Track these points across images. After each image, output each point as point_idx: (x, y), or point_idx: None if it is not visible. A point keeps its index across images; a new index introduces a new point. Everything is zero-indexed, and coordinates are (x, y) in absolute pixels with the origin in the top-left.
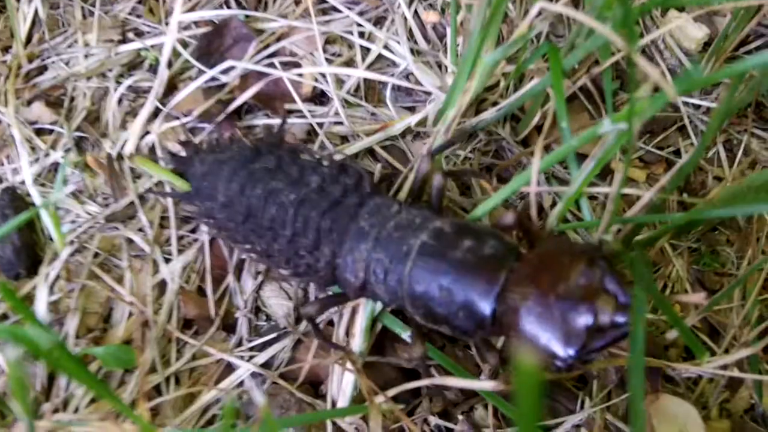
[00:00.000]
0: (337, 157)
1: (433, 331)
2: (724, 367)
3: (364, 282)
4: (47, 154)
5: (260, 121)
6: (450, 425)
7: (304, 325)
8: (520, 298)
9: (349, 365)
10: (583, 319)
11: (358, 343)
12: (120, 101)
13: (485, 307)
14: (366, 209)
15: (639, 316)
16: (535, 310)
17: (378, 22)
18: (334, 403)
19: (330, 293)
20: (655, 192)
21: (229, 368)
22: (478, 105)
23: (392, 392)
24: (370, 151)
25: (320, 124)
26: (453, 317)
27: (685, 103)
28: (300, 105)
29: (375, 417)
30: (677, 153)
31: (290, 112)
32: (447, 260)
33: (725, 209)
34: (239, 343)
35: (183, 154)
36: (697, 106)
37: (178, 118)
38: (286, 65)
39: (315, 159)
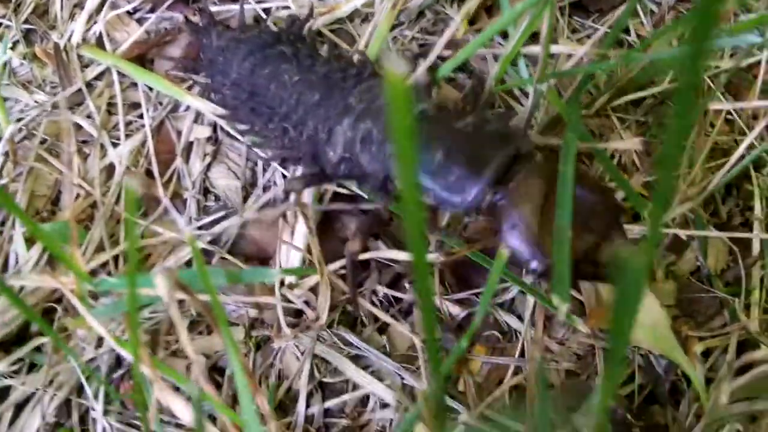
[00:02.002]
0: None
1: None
2: (667, 225)
3: (342, 158)
4: None
5: (215, 8)
6: (399, 294)
7: (251, 202)
8: (523, 189)
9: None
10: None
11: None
12: None
13: (477, 187)
14: (358, 89)
15: (569, 159)
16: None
17: None
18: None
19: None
20: (590, 47)
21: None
22: None
23: (337, 264)
24: (318, 34)
25: (267, 9)
26: (442, 191)
27: None
28: None
29: (324, 283)
30: (627, 31)
31: None
32: (447, 130)
33: (653, 54)
34: (188, 223)
35: (198, 22)
36: None
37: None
38: None
39: (333, 54)
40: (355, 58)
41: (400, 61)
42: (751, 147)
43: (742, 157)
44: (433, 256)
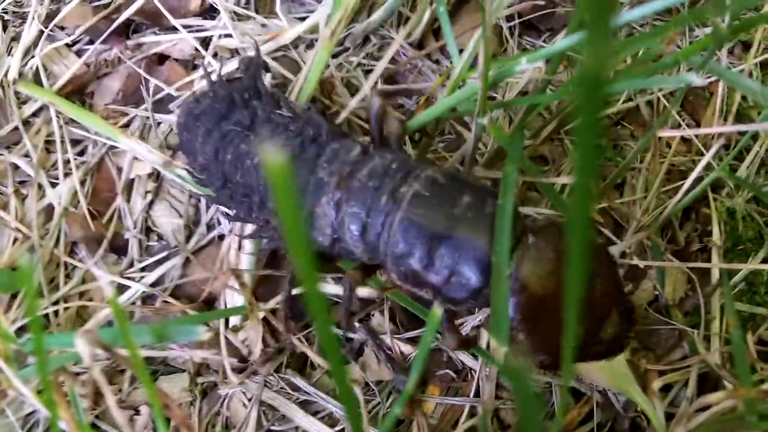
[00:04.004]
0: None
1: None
2: (624, 255)
3: (334, 240)
4: None
5: (148, 39)
6: (349, 334)
7: (194, 242)
8: (535, 282)
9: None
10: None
11: (246, 258)
12: (5, 28)
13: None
14: (323, 158)
15: (509, 191)
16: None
17: None
18: (227, 321)
19: None
20: (529, 76)
21: (121, 291)
22: (369, 9)
23: (272, 303)
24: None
25: (208, 39)
26: (442, 282)
27: None
28: (182, 22)
29: (254, 325)
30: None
31: (178, 27)
32: (445, 216)
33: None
34: (131, 264)
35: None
36: None
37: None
38: None
39: (289, 110)
40: (305, 113)
41: (278, 151)
42: (709, 168)
43: (701, 179)
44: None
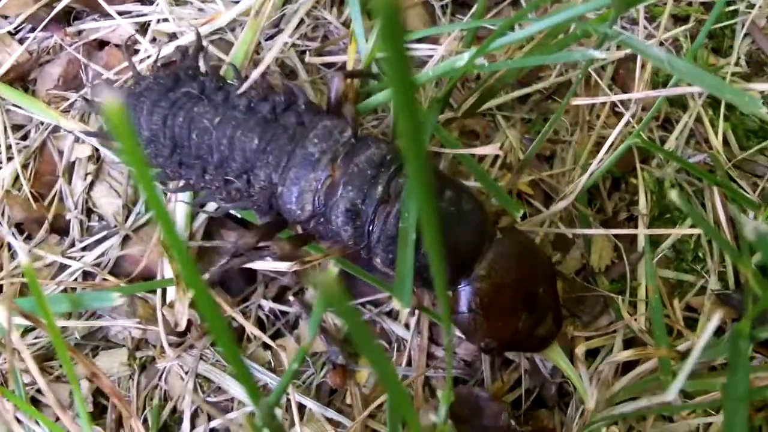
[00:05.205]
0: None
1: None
2: (551, 225)
3: (312, 215)
4: None
5: (87, 25)
6: (284, 308)
7: (131, 221)
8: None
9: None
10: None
11: (179, 229)
12: None
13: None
14: (314, 132)
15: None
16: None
17: None
18: (164, 296)
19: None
20: (446, 48)
21: (63, 270)
22: None
23: (206, 276)
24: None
25: (147, 24)
26: (423, 269)
27: None
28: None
29: (181, 297)
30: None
31: (113, 14)
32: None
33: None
34: (72, 245)
35: (97, 99)
36: None
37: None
38: None
39: (241, 81)
40: (274, 82)
41: (113, 91)
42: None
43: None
44: (285, 265)
